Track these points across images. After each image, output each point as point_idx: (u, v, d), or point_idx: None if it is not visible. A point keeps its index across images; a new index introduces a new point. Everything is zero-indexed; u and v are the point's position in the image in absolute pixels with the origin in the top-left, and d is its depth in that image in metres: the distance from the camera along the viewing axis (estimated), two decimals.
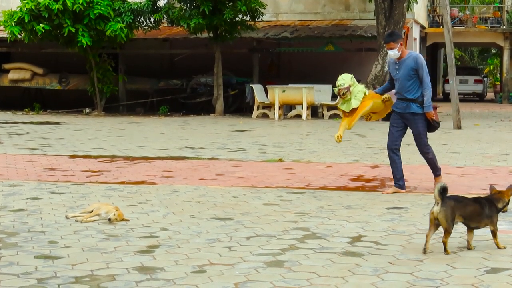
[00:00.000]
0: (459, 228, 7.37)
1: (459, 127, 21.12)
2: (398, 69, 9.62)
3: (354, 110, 9.80)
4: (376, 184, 10.56)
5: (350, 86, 9.69)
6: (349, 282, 5.46)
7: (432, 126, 9.75)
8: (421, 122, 9.62)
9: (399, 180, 9.76)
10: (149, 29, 28.44)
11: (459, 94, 27.42)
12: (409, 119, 9.64)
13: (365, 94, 9.83)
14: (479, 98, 47.64)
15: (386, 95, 9.90)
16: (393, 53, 9.56)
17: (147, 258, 6.17)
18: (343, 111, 9.95)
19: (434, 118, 9.66)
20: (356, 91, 9.77)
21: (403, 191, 9.72)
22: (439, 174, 9.96)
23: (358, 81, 30.52)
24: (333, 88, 10.39)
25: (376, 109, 10.05)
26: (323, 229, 7.37)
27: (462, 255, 6.28)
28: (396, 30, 25.50)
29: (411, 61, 9.53)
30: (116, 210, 7.75)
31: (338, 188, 10.14)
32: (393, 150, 9.74)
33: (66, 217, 7.91)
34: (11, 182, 10.58)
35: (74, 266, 5.90)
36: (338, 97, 10.06)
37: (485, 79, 50.25)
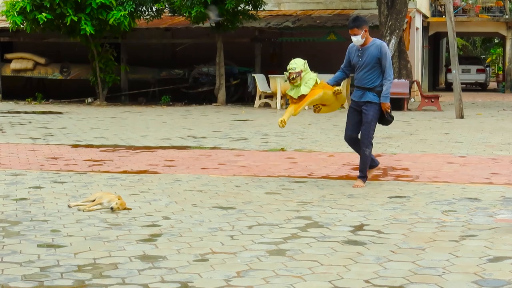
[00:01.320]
0: (461, 217, 7.38)
1: (462, 117, 21.09)
2: (361, 56, 9.23)
3: (302, 97, 9.25)
4: (378, 173, 10.55)
5: (301, 71, 9.21)
6: (351, 271, 5.46)
7: (386, 119, 9.37)
8: (374, 111, 9.18)
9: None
10: (151, 18, 28.40)
11: (462, 83, 27.39)
12: (363, 107, 9.25)
13: (316, 82, 9.28)
14: (481, 87, 47.63)
15: (338, 88, 9.37)
16: (356, 40, 9.16)
17: (150, 247, 6.18)
18: (291, 97, 9.35)
19: (388, 111, 9.26)
20: (307, 77, 9.24)
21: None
22: (363, 176, 9.38)
23: None
24: (284, 72, 9.73)
25: (326, 101, 9.54)
26: (325, 218, 7.37)
27: (464, 244, 6.28)
28: (399, 19, 25.49)
29: (374, 49, 9.15)
30: (119, 199, 7.76)
31: (340, 177, 10.14)
32: (351, 142, 9.46)
33: (69, 206, 7.91)
34: (14, 171, 10.59)
35: (77, 254, 5.91)
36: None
37: (487, 68, 50.21)
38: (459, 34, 45.40)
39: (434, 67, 48.15)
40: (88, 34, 26.95)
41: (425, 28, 39.85)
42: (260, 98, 27.05)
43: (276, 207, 7.94)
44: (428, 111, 24.70)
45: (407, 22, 28.42)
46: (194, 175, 10.21)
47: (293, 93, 9.28)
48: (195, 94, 30.81)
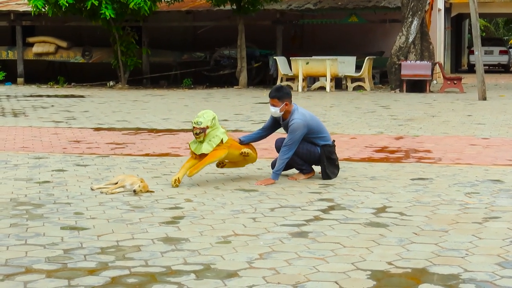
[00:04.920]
0: (484, 199, 7.34)
1: (484, 98, 20.94)
2: (285, 129, 8.69)
3: (203, 156, 8.39)
4: (400, 155, 10.52)
5: (207, 127, 8.35)
6: (373, 253, 5.45)
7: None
8: (309, 146, 8.61)
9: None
10: (172, 1, 28.37)
11: (484, 65, 27.16)
12: None
13: (221, 141, 8.38)
14: (504, 69, 47.35)
15: (245, 150, 8.62)
16: (274, 111, 8.54)
17: (172, 229, 6.20)
18: (192, 152, 8.48)
19: (262, 185, 8.23)
20: (213, 134, 8.35)
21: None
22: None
23: (382, 53, 30.19)
24: (191, 120, 8.72)
25: (232, 159, 8.74)
26: (348, 200, 7.36)
27: (487, 226, 6.25)
28: (421, 0, 25.27)
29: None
30: (141, 182, 7.79)
31: (363, 160, 10.12)
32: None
33: (91, 189, 7.95)
34: (37, 154, 10.65)
35: (100, 237, 5.94)
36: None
37: (510, 50, 49.83)
38: (482, 15, 45.02)
39: (457, 49, 47.84)
40: (108, 18, 26.94)
41: (447, 10, 39.55)
42: (281, 81, 26.98)
43: (298, 189, 7.94)
44: (451, 93, 24.55)
45: (429, 3, 28.21)
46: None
47: (195, 149, 8.50)
48: (216, 77, 30.81)
